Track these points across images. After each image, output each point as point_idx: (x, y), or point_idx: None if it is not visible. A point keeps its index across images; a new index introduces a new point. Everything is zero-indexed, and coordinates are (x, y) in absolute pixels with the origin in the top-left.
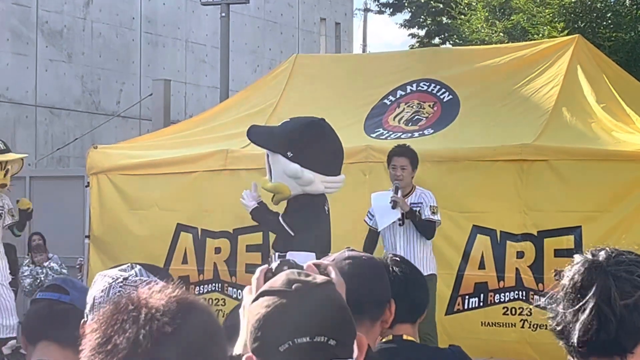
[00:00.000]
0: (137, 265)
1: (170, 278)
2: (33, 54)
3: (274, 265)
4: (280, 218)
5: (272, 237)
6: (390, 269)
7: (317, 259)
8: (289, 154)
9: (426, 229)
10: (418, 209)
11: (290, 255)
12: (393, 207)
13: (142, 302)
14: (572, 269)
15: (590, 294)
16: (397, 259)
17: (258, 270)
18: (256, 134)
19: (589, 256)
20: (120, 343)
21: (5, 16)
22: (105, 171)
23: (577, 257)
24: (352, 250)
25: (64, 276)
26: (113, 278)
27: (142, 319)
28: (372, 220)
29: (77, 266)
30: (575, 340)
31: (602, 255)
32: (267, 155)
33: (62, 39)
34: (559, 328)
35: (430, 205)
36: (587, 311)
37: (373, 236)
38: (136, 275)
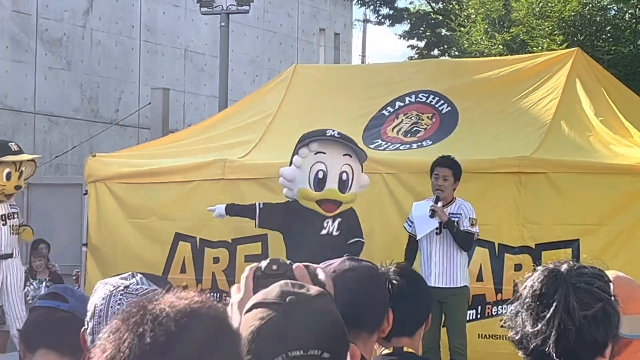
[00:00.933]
0: (138, 274)
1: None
2: (32, 61)
3: (263, 264)
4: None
5: (271, 247)
6: (390, 279)
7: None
8: (363, 164)
9: (464, 241)
10: (457, 219)
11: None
12: (431, 216)
13: (156, 307)
14: (533, 278)
15: (549, 303)
16: (399, 269)
17: (247, 269)
18: (347, 140)
19: (551, 266)
20: (132, 340)
21: (5, 23)
22: (103, 179)
23: (539, 268)
24: (352, 259)
25: (63, 284)
26: (114, 286)
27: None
28: (411, 227)
29: (74, 277)
30: (534, 350)
31: (564, 266)
32: (348, 165)
33: (62, 46)
34: (517, 337)
35: (470, 217)
36: (546, 320)
37: (412, 244)
38: (137, 284)
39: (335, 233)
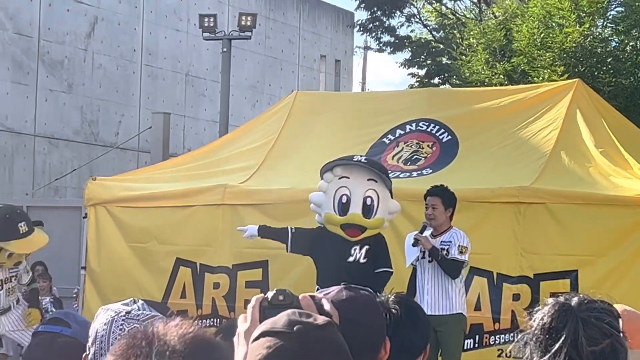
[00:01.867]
0: (140, 300)
1: (172, 314)
2: (33, 83)
3: (269, 294)
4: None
5: (272, 273)
6: (388, 307)
7: None
8: (391, 189)
9: (449, 268)
10: (447, 247)
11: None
12: (414, 245)
13: (158, 337)
14: (543, 311)
15: (558, 336)
16: (398, 298)
17: (253, 299)
18: (372, 165)
19: (561, 299)
20: None
21: (6, 45)
22: (103, 203)
23: (550, 300)
24: (348, 288)
25: (66, 310)
26: (115, 312)
27: (155, 354)
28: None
29: (74, 294)
30: None
31: (574, 300)
32: (373, 190)
33: (63, 69)
34: None
35: (459, 245)
36: (554, 353)
37: (414, 275)
38: (138, 310)
39: (362, 260)
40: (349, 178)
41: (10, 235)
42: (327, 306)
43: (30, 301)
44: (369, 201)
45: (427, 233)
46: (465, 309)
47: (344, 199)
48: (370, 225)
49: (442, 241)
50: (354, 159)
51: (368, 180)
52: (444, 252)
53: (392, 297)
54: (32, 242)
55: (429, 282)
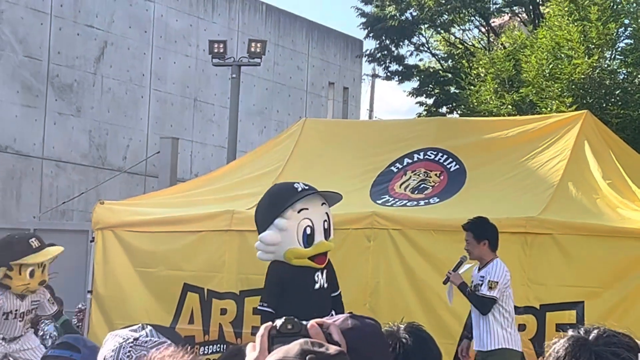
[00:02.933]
0: (148, 326)
1: (181, 340)
2: (42, 106)
3: (278, 322)
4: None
5: None
6: (399, 337)
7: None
8: None
9: (477, 304)
10: (480, 282)
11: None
12: (444, 282)
13: None
14: (559, 343)
15: None
16: (410, 327)
17: (262, 328)
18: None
19: (581, 332)
20: None
21: (16, 69)
22: (111, 227)
23: (569, 332)
24: (354, 316)
25: (75, 334)
26: (124, 338)
27: None
28: None
29: (77, 310)
30: None
31: (593, 333)
32: (326, 214)
33: (72, 92)
34: None
35: (489, 280)
36: None
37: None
38: (147, 336)
39: (325, 285)
40: (308, 209)
41: (24, 252)
42: (335, 335)
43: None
44: (325, 225)
45: (466, 267)
46: (516, 343)
47: (308, 230)
48: (331, 247)
49: (480, 275)
50: (298, 189)
51: (322, 205)
52: (481, 286)
53: (403, 326)
54: (48, 251)
55: (474, 317)
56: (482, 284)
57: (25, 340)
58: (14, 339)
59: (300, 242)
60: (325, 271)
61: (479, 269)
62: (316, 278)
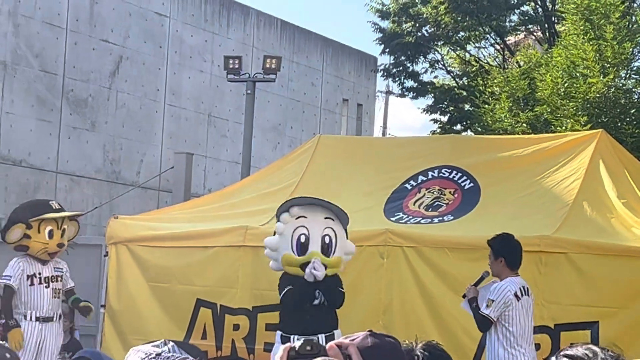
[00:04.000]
0: (170, 342)
1: (202, 355)
2: (57, 121)
3: (297, 344)
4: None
5: None
6: (416, 355)
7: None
8: (346, 230)
9: (477, 321)
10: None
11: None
12: (463, 296)
13: None
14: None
15: None
16: (426, 345)
17: (281, 349)
18: (333, 206)
19: (588, 352)
20: None
21: (31, 82)
22: (124, 241)
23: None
24: (374, 334)
25: (92, 349)
26: (146, 354)
27: None
28: None
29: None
30: None
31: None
32: (331, 229)
33: (87, 107)
34: None
35: (487, 298)
36: None
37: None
38: (169, 352)
39: (326, 303)
40: (306, 217)
41: (43, 210)
42: (354, 356)
43: (81, 311)
44: (327, 239)
45: (489, 283)
46: None
47: (303, 239)
48: (330, 264)
49: (489, 292)
50: (309, 198)
51: (325, 218)
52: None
53: (420, 344)
54: (67, 213)
55: (486, 337)
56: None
57: (55, 335)
58: (48, 319)
59: (293, 249)
60: (327, 288)
61: None
62: (316, 294)
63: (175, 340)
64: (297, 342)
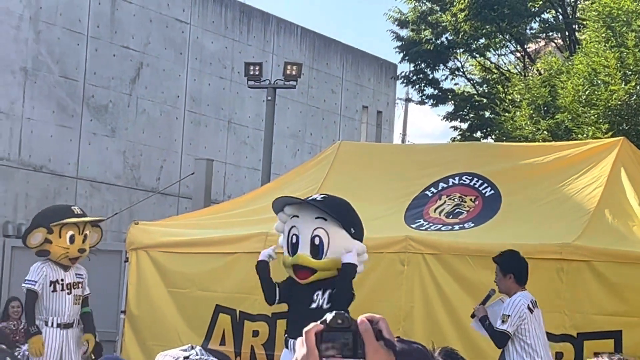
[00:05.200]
0: (197, 346)
1: None
2: (77, 127)
3: (328, 317)
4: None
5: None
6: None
7: None
8: (352, 230)
9: (493, 338)
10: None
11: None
12: (472, 316)
13: None
14: None
15: None
16: (445, 350)
17: (311, 325)
18: (330, 204)
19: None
20: None
21: (52, 88)
22: (145, 247)
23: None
24: (402, 340)
25: (114, 355)
26: (174, 358)
27: None
28: None
29: None
30: None
31: None
32: (322, 229)
33: (107, 113)
34: None
35: (502, 314)
36: None
37: None
38: (197, 355)
39: (325, 306)
40: (298, 217)
41: (65, 214)
42: (385, 331)
43: (86, 327)
44: (317, 241)
45: (496, 300)
46: None
47: (294, 239)
48: (320, 267)
49: (502, 309)
50: (296, 199)
51: (316, 218)
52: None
53: (438, 350)
54: (89, 218)
55: (504, 351)
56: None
57: (76, 348)
58: (68, 325)
59: (287, 250)
60: (329, 290)
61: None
62: (315, 297)
63: (203, 346)
64: (328, 315)
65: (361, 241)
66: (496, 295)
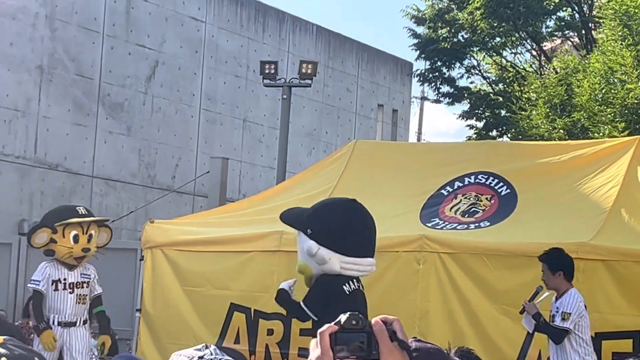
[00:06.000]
0: (212, 345)
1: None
2: (93, 125)
3: (342, 318)
4: (301, 302)
5: None
6: (451, 359)
7: None
8: (308, 231)
9: (551, 335)
10: (555, 313)
11: None
12: (520, 312)
13: None
14: None
15: None
16: (461, 350)
17: (325, 326)
18: (287, 214)
19: None
20: None
21: (68, 87)
22: (160, 246)
23: None
24: (419, 340)
25: (129, 354)
26: (189, 357)
27: None
28: None
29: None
30: None
31: None
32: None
33: (123, 111)
34: None
35: (562, 312)
36: None
37: (527, 339)
38: (211, 355)
39: None
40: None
41: (69, 215)
42: (399, 332)
43: (101, 327)
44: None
45: (545, 296)
46: None
47: None
48: (298, 271)
49: (556, 306)
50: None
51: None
52: (555, 317)
53: (454, 350)
54: (92, 218)
55: (552, 346)
56: (556, 315)
57: (84, 345)
58: (70, 324)
59: None
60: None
61: (556, 299)
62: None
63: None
64: (342, 316)
65: (327, 241)
66: (543, 291)
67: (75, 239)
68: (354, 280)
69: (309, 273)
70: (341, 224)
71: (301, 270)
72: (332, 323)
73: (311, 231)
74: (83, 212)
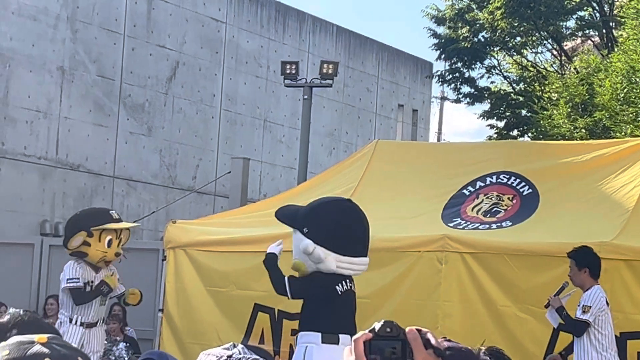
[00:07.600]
0: (239, 344)
1: (270, 358)
2: (114, 126)
3: (377, 325)
4: (286, 277)
5: None
6: (479, 358)
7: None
8: (305, 229)
9: (571, 327)
10: (578, 307)
11: (300, 337)
12: (545, 306)
13: None
14: None
15: None
16: (491, 350)
17: (360, 333)
18: (282, 212)
19: None
20: None
21: (89, 88)
22: (182, 246)
23: None
24: (449, 340)
25: (158, 351)
26: (217, 356)
27: None
28: None
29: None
30: None
31: None
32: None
33: (144, 112)
34: None
35: (583, 305)
36: None
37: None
38: (240, 354)
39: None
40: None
41: (105, 220)
42: (433, 340)
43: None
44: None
45: (570, 293)
46: None
47: None
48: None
49: (579, 301)
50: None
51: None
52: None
53: (484, 351)
54: (126, 224)
55: (574, 341)
56: (578, 308)
57: (100, 342)
58: (91, 325)
59: None
60: None
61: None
62: None
63: (245, 344)
64: (377, 323)
65: (324, 240)
66: (569, 287)
67: (109, 243)
68: (347, 280)
69: (304, 271)
70: (337, 223)
71: (296, 268)
72: (367, 330)
73: (307, 230)
74: (117, 217)
